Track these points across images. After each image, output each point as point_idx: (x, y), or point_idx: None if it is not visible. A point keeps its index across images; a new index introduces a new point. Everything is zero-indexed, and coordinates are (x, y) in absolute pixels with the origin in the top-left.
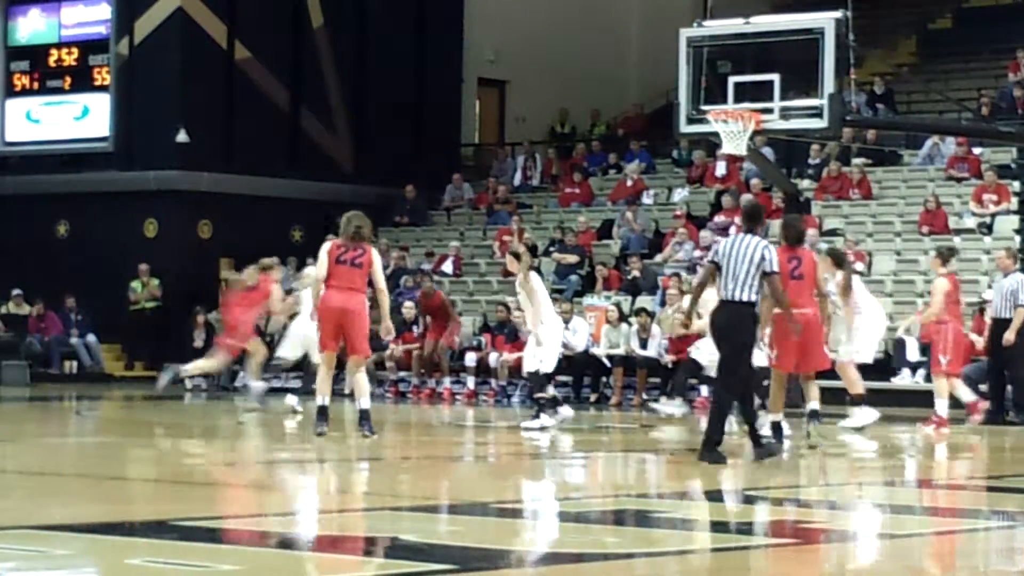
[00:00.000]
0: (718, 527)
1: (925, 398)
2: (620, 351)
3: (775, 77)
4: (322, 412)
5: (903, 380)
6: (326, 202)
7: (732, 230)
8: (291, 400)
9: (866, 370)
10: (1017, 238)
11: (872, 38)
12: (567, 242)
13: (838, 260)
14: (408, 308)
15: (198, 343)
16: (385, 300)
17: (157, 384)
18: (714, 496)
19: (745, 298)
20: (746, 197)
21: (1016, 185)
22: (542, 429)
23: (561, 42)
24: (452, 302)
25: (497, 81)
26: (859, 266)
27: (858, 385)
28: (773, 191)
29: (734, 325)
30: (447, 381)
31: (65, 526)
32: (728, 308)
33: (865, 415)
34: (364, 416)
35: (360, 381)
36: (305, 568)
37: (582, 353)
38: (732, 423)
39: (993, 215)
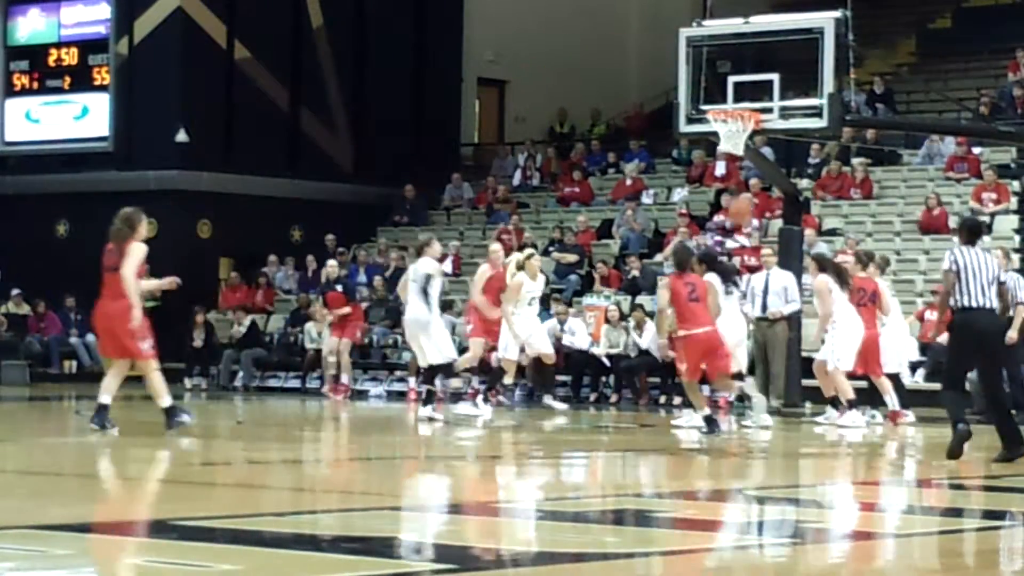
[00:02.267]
0: (719, 527)
1: (925, 398)
2: (620, 351)
3: (775, 77)
4: (102, 409)
5: (903, 380)
6: (326, 202)
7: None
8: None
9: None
10: (1017, 238)
11: (872, 38)
12: (566, 241)
13: (822, 265)
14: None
15: (198, 343)
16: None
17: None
18: (715, 496)
19: (994, 306)
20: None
21: (1016, 185)
22: (429, 420)
23: (561, 42)
24: (451, 302)
25: (497, 81)
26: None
27: (848, 391)
28: (772, 191)
29: (994, 331)
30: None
31: (65, 526)
32: (980, 315)
33: (854, 418)
34: (101, 411)
35: (152, 382)
36: (305, 568)
37: (582, 353)
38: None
39: (993, 215)
